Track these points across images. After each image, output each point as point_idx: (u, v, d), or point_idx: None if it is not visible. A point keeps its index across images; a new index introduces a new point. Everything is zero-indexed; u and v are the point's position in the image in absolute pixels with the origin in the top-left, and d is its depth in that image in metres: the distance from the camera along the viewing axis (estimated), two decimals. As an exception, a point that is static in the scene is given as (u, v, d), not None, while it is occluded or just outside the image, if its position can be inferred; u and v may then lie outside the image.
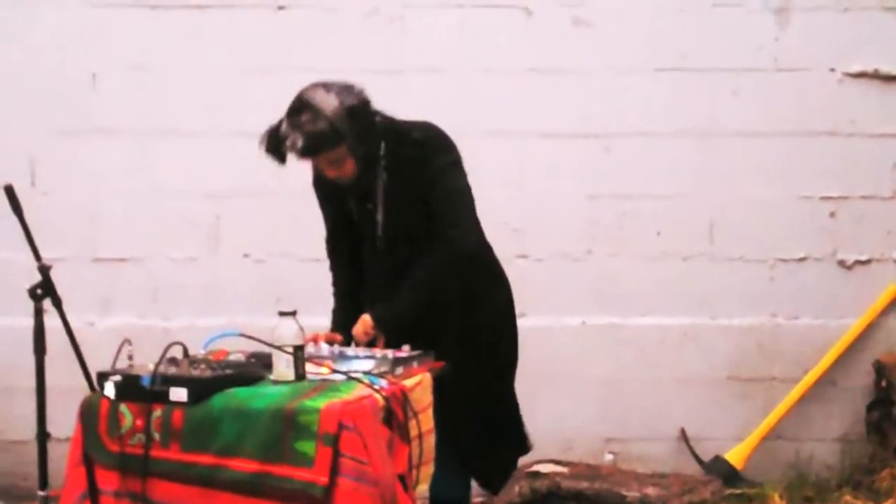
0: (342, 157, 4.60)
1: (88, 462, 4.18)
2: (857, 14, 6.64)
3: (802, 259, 6.73)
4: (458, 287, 4.76)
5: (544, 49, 6.65)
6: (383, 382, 4.22)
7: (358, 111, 4.59)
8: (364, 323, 4.64)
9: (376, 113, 4.70)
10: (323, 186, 4.85)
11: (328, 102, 4.54)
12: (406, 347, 4.51)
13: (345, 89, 4.61)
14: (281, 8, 6.61)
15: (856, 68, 6.66)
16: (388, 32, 6.59)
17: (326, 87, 4.60)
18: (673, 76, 6.67)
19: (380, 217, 4.76)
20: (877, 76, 6.67)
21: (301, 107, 4.54)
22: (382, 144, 4.70)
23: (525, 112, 6.66)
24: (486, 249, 4.98)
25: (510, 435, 5.01)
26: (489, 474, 5.01)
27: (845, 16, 6.64)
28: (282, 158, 4.60)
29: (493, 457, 4.96)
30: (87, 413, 4.18)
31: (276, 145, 4.55)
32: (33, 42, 6.65)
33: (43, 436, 4.92)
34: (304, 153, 4.54)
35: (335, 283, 4.98)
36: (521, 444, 5.06)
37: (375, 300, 4.79)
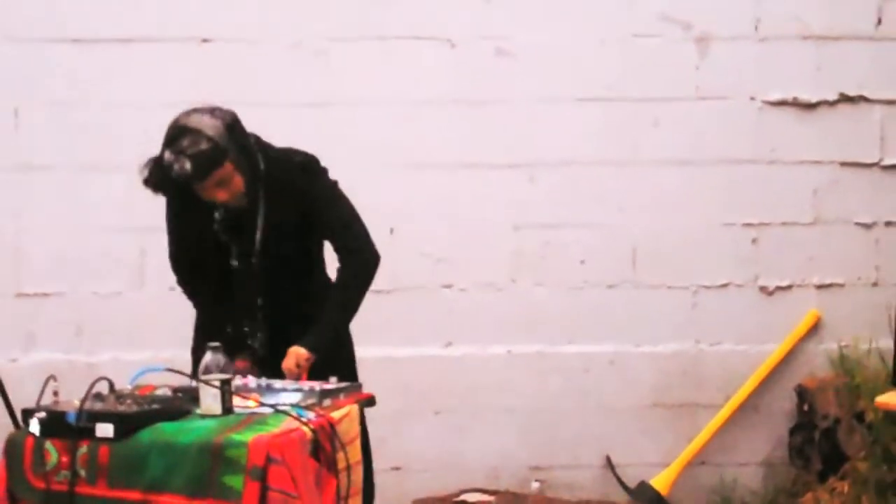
0: (229, 174, 4.60)
1: (13, 499, 4.14)
2: (776, 43, 6.73)
3: (724, 285, 6.79)
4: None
5: (468, 80, 6.69)
6: (311, 415, 4.22)
7: (234, 127, 4.63)
8: (297, 356, 4.63)
9: (248, 133, 4.74)
10: (187, 205, 4.81)
11: (204, 123, 4.57)
12: (333, 379, 4.51)
13: (216, 109, 4.66)
14: (205, 41, 6.60)
15: (775, 96, 6.75)
16: (313, 65, 6.60)
17: (197, 110, 4.64)
18: (595, 106, 6.72)
19: (258, 235, 4.76)
20: (796, 104, 6.75)
21: (179, 133, 4.56)
22: (261, 159, 4.71)
23: (450, 143, 6.68)
24: None
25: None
26: None
27: (764, 45, 6.72)
28: (167, 189, 4.60)
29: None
30: (12, 450, 4.14)
31: (161, 176, 4.55)
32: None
33: (-33, 473, 4.87)
34: (193, 177, 4.53)
35: (202, 298, 4.97)
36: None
37: (246, 319, 4.81)
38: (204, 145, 4.53)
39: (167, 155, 4.53)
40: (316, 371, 4.65)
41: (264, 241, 4.76)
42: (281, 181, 4.74)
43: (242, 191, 4.66)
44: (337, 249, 4.82)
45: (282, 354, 4.69)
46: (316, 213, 4.78)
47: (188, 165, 4.50)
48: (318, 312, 4.76)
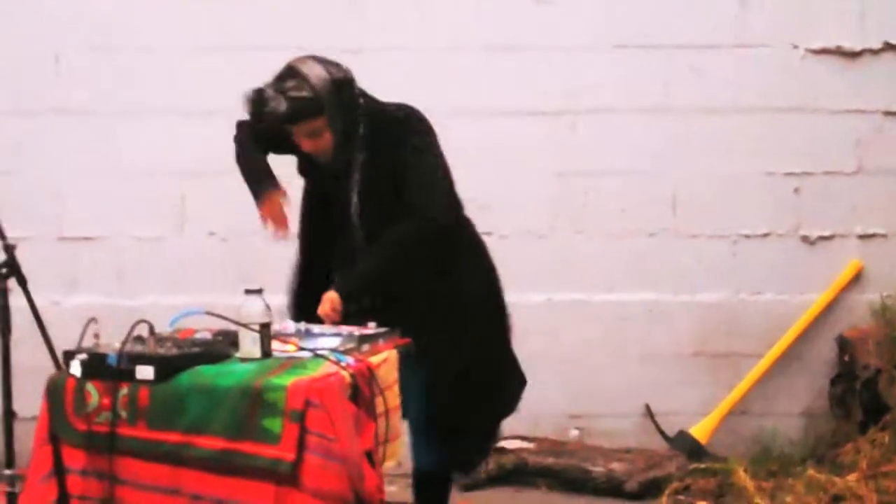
0: (320, 129, 4.62)
1: (55, 441, 4.18)
2: (819, -10, 6.68)
3: (766, 235, 6.77)
4: (427, 257, 4.76)
5: (507, 27, 6.65)
6: (350, 359, 4.23)
7: (343, 86, 4.64)
8: (330, 301, 4.63)
9: (360, 93, 4.74)
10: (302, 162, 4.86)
11: (315, 73, 4.59)
12: (372, 324, 4.51)
13: (333, 64, 4.66)
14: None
15: (818, 45, 6.69)
16: (348, 11, 6.59)
17: (315, 59, 4.65)
18: (635, 53, 6.68)
19: (354, 195, 4.76)
20: (839, 52, 6.69)
21: (288, 74, 4.59)
22: (362, 124, 4.71)
23: (490, 90, 6.67)
24: (464, 223, 4.99)
25: (490, 401, 4.99)
26: (463, 448, 5.00)
27: (807, -9, 6.67)
28: (259, 120, 4.63)
29: (467, 429, 4.94)
30: (54, 392, 4.18)
31: (257, 107, 4.58)
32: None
33: (9, 415, 4.92)
34: (284, 119, 4.57)
35: (309, 244, 4.99)
36: (502, 407, 5.06)
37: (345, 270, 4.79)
38: (305, 92, 4.55)
39: (269, 91, 4.56)
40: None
41: (361, 201, 4.75)
42: (379, 140, 4.72)
43: (329, 149, 4.66)
44: (405, 204, 4.72)
45: (390, 310, 4.67)
46: (401, 168, 4.73)
47: (283, 107, 4.53)
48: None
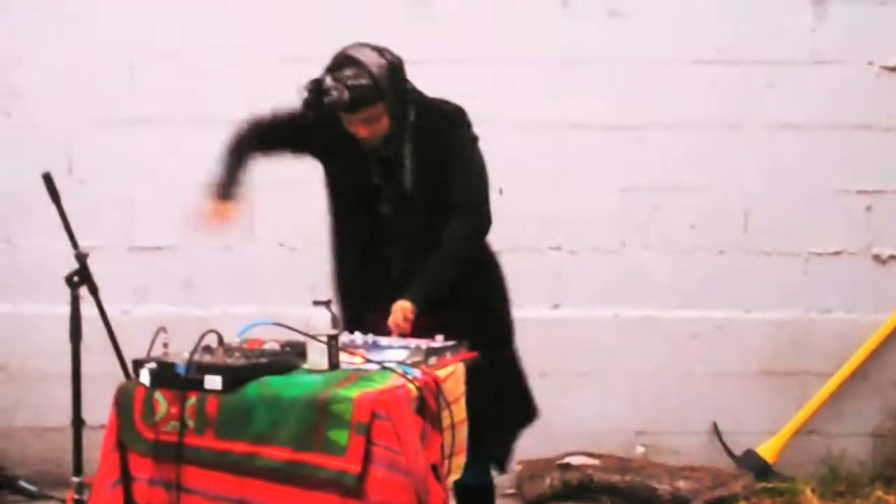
0: (379, 114, 4.66)
1: (122, 448, 4.20)
2: (895, 6, 6.61)
3: (837, 253, 6.71)
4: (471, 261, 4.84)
5: (579, 39, 6.65)
6: (416, 372, 4.23)
7: (397, 70, 4.67)
8: (402, 310, 4.62)
9: (407, 81, 4.79)
10: (340, 142, 4.85)
11: (372, 59, 4.63)
12: (439, 337, 4.51)
13: (385, 49, 4.72)
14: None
15: (894, 62, 6.63)
16: (420, 21, 6.60)
17: (367, 45, 4.70)
18: (708, 68, 6.65)
19: (407, 181, 4.78)
20: (914, 70, 6.65)
21: (345, 62, 4.62)
22: (412, 111, 4.75)
23: (560, 103, 6.65)
24: None
25: (519, 403, 5.02)
26: (498, 447, 4.99)
27: (883, 8, 6.60)
28: (320, 111, 4.65)
29: (501, 428, 4.95)
30: (123, 400, 4.20)
31: (317, 97, 4.60)
32: (71, 31, 6.68)
33: (78, 422, 4.97)
34: (349, 107, 4.59)
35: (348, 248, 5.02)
36: (530, 411, 5.07)
37: (384, 265, 4.83)
38: (365, 79, 4.59)
39: (328, 80, 4.60)
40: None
41: (411, 188, 4.78)
42: (427, 130, 4.77)
43: (385, 133, 4.70)
44: (452, 204, 4.77)
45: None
46: (448, 163, 4.78)
47: (346, 95, 4.56)
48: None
